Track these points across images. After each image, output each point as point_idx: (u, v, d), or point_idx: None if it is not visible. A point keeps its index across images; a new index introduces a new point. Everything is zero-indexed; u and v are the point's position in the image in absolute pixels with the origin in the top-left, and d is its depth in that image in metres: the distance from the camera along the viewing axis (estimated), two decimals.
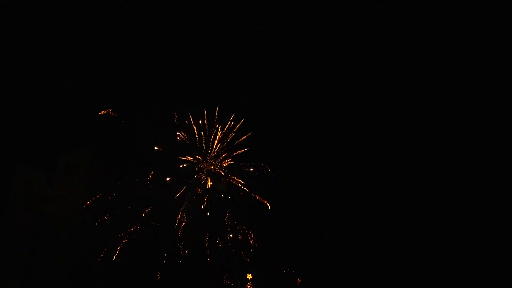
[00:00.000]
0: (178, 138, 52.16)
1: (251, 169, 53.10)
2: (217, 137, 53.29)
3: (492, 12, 53.73)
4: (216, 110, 53.10)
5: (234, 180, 52.54)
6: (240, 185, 52.23)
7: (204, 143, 53.14)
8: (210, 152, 53.29)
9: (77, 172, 52.89)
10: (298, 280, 50.86)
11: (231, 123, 53.12)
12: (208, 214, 51.11)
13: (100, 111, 51.57)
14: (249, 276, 50.08)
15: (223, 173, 52.81)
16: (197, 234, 50.63)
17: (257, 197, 51.74)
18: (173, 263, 49.36)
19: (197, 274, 49.54)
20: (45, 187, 54.30)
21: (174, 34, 63.49)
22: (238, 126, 53.35)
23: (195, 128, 52.64)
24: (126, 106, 54.69)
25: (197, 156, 52.73)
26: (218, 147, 53.45)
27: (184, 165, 52.12)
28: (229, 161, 53.38)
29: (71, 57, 61.67)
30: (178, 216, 49.96)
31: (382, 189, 53.51)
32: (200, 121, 52.67)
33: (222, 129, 53.09)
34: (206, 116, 52.69)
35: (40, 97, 59.20)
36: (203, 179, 52.39)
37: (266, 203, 51.74)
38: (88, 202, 49.69)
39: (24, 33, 60.02)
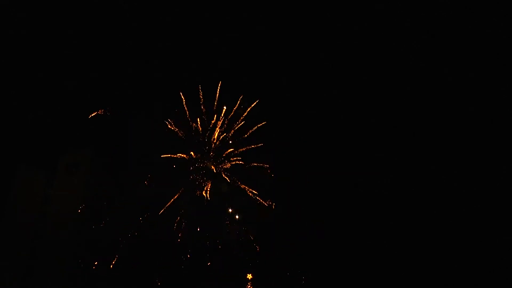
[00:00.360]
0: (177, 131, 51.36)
1: (269, 172, 51.94)
2: (216, 130, 52.30)
3: (492, 12, 53.76)
4: (216, 97, 52.03)
5: (237, 183, 51.59)
6: (244, 188, 51.46)
7: (200, 136, 52.21)
8: (209, 149, 52.42)
9: (77, 172, 52.95)
10: (304, 279, 50.72)
11: (237, 107, 51.51)
12: (208, 214, 51.03)
13: (95, 112, 51.55)
14: (249, 276, 50.06)
15: (227, 179, 51.64)
16: (197, 234, 50.59)
17: (260, 200, 51.31)
18: (173, 263, 49.35)
19: (197, 274, 49.50)
20: (45, 187, 54.33)
21: (174, 34, 63.46)
22: (240, 120, 51.83)
23: (193, 125, 52.02)
24: (126, 106, 54.72)
25: (193, 155, 51.90)
26: (217, 144, 52.60)
27: (181, 165, 51.60)
28: (235, 160, 52.44)
29: (71, 57, 61.63)
30: (177, 218, 49.86)
31: (382, 189, 53.51)
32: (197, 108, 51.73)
33: (225, 116, 51.73)
34: (203, 102, 51.73)
35: (40, 97, 59.19)
36: (203, 183, 51.64)
37: (270, 204, 51.20)
38: (88, 202, 49.71)
39: (24, 33, 60.01)
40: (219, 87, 51.91)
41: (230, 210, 51.56)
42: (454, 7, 55.89)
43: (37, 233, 51.77)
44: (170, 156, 50.27)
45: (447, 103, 55.49)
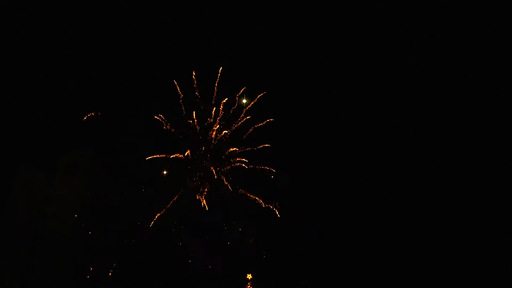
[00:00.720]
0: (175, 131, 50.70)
1: (269, 173, 51.15)
2: (215, 126, 51.60)
3: (492, 12, 53.76)
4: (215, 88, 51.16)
5: (238, 188, 50.74)
6: (245, 192, 50.82)
7: (198, 134, 51.58)
8: (207, 149, 51.73)
9: (77, 172, 53.00)
10: (304, 279, 50.62)
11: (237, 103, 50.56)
12: (207, 214, 50.86)
13: (92, 113, 51.41)
14: (249, 276, 50.04)
15: (228, 185, 50.75)
16: (197, 235, 50.52)
17: (263, 204, 50.75)
18: (173, 263, 49.32)
19: (197, 274, 49.47)
20: (45, 187, 54.40)
21: (174, 34, 63.51)
22: (241, 116, 50.96)
23: (190, 122, 51.41)
24: (126, 106, 54.70)
25: (189, 155, 51.22)
26: (215, 144, 51.97)
27: (181, 165, 51.15)
28: (235, 161, 51.63)
29: (71, 57, 61.71)
30: (176, 221, 49.72)
31: (382, 189, 53.52)
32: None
33: (224, 112, 50.69)
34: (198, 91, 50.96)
35: (40, 97, 59.25)
36: (201, 187, 50.98)
37: (276, 205, 50.60)
38: (88, 202, 49.69)
39: (24, 33, 60.06)
40: (219, 75, 51.34)
41: (234, 222, 51.21)
42: (454, 7, 55.93)
43: (37, 233, 51.82)
44: (166, 156, 49.76)
45: (447, 103, 55.54)
